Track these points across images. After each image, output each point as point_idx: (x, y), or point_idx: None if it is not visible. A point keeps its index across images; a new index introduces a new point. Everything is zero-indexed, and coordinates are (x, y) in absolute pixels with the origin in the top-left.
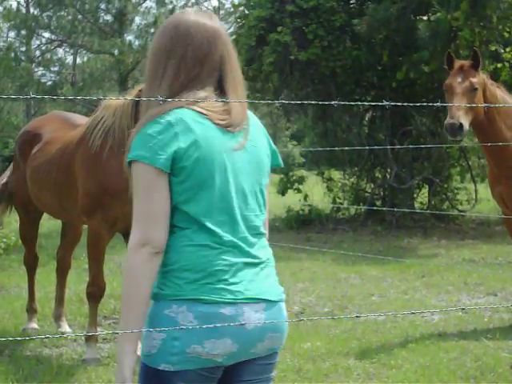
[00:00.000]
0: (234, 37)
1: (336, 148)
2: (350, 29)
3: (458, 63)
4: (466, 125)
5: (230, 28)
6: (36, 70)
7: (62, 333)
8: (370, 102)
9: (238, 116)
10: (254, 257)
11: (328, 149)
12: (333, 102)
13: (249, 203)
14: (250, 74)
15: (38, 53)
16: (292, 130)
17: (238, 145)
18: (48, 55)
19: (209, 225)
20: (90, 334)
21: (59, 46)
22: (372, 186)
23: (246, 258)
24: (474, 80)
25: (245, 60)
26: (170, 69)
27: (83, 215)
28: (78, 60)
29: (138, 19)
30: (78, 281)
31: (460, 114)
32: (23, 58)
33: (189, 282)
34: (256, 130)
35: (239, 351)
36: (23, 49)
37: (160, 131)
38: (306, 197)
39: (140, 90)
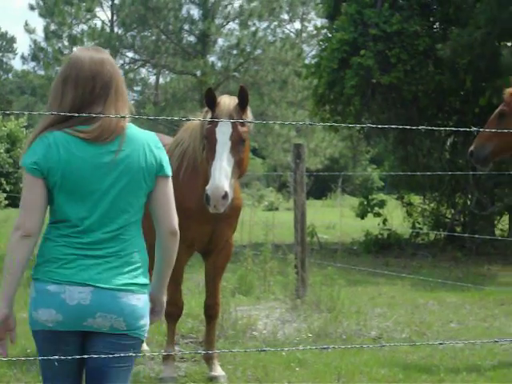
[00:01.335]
0: (316, 59)
1: (417, 173)
2: (433, 53)
3: None
4: None
5: (312, 51)
6: None
7: (140, 351)
8: (451, 127)
9: (107, 131)
10: (96, 251)
11: (409, 173)
12: (420, 127)
13: (108, 208)
14: (331, 96)
15: (121, 72)
16: (372, 154)
17: (109, 153)
18: (131, 75)
19: (63, 222)
20: (167, 353)
21: (142, 65)
22: (452, 211)
23: (85, 251)
24: None
25: (326, 83)
26: (66, 90)
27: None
28: (161, 80)
29: (220, 41)
30: None
31: None
32: None
33: (37, 265)
34: (135, 142)
35: (66, 320)
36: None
37: (35, 150)
38: (385, 221)
39: (206, 112)
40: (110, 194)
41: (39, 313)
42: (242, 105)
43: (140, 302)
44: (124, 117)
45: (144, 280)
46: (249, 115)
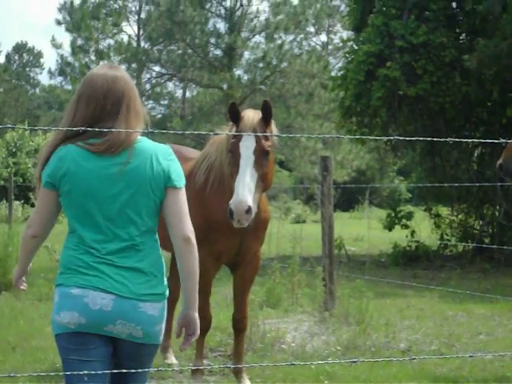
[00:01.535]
0: (342, 72)
1: (445, 184)
2: (460, 64)
3: None
4: None
5: (338, 63)
6: (146, 103)
7: (169, 364)
8: (479, 138)
9: (119, 143)
10: (113, 261)
11: (437, 185)
12: (448, 139)
13: (116, 218)
14: (358, 108)
15: (148, 86)
16: (399, 165)
17: (117, 165)
18: (158, 89)
19: (78, 231)
20: (196, 366)
21: (169, 79)
22: (481, 222)
23: (103, 260)
24: None
25: (353, 95)
26: (79, 108)
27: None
28: (188, 94)
29: (247, 54)
30: None
31: None
32: None
33: (60, 273)
34: (143, 154)
35: (88, 324)
36: (134, 82)
37: (52, 162)
38: (413, 233)
39: (232, 125)
40: (117, 204)
41: (61, 315)
42: (266, 119)
43: (156, 310)
44: (135, 131)
45: (161, 289)
46: (273, 129)
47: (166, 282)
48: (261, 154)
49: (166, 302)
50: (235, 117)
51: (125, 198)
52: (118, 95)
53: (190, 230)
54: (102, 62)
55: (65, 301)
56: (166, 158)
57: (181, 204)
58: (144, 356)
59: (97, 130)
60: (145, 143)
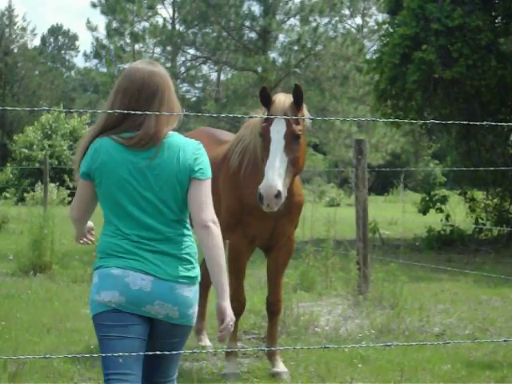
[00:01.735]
0: (377, 55)
1: (480, 168)
2: (496, 48)
3: None
4: None
5: (373, 46)
6: (181, 85)
7: (203, 347)
8: None
9: (148, 138)
10: (149, 246)
11: (472, 169)
12: (484, 123)
13: (146, 208)
14: (393, 91)
15: (182, 69)
16: (434, 149)
17: (145, 159)
18: (193, 71)
19: (113, 220)
20: (230, 349)
21: (204, 62)
22: None
23: (140, 245)
24: None
25: (388, 78)
26: (117, 99)
27: (225, 231)
28: (222, 77)
29: (281, 37)
30: None
31: None
32: (169, 73)
33: (99, 258)
34: (171, 148)
35: (128, 303)
36: (169, 65)
37: (89, 154)
38: (447, 217)
39: (265, 109)
40: (146, 196)
41: (102, 295)
42: (298, 103)
43: (191, 293)
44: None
45: (195, 273)
46: (305, 113)
47: (198, 268)
48: (291, 138)
49: (198, 285)
50: (266, 101)
51: (153, 190)
52: (153, 89)
53: (210, 218)
54: (136, 45)
55: (106, 281)
56: (194, 152)
57: (203, 194)
58: (178, 337)
59: (139, 113)
60: (175, 138)
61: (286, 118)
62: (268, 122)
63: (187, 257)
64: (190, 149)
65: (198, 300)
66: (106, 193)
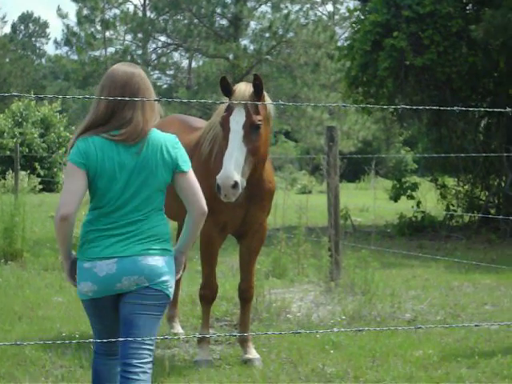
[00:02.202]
0: (348, 42)
1: (451, 154)
2: (467, 35)
3: None
4: None
5: (344, 33)
6: (152, 73)
7: (175, 334)
8: (485, 108)
9: (136, 133)
10: (119, 231)
11: (442, 155)
12: (454, 108)
13: (128, 195)
14: (364, 78)
15: (154, 56)
16: (405, 136)
17: (133, 154)
18: (164, 59)
19: (93, 210)
20: (202, 335)
21: (175, 49)
22: (486, 193)
23: (110, 231)
24: None
25: (359, 65)
26: (103, 95)
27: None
28: (194, 64)
29: (253, 24)
30: (190, 282)
31: None
32: (139, 61)
33: (78, 247)
34: (154, 143)
35: (100, 289)
36: (139, 52)
37: (80, 148)
38: (418, 203)
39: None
40: (132, 186)
41: (81, 285)
42: (258, 93)
43: (159, 262)
44: (157, 100)
45: (161, 246)
46: (266, 100)
47: (170, 247)
48: (251, 129)
49: (171, 258)
50: (227, 90)
51: (139, 181)
52: (134, 89)
53: (205, 204)
54: (107, 33)
55: (81, 273)
56: (174, 146)
57: (192, 183)
58: (148, 299)
59: (142, 98)
60: (155, 134)
61: (246, 108)
62: (228, 111)
63: (156, 234)
64: (170, 143)
65: (171, 271)
66: (97, 184)
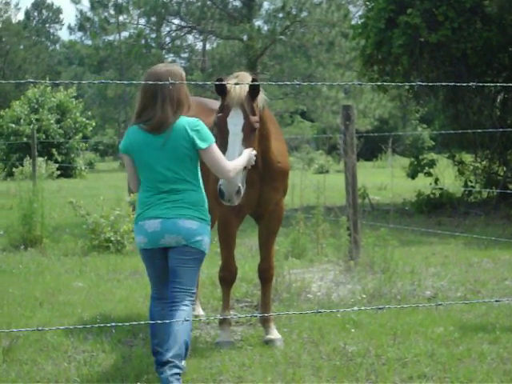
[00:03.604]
0: (362, 20)
1: (468, 130)
2: (481, 10)
3: None
4: None
5: (358, 11)
6: (166, 56)
7: (196, 316)
8: (501, 83)
9: (159, 125)
10: (161, 198)
11: (460, 131)
12: (470, 84)
13: (164, 174)
14: (379, 56)
15: (168, 39)
16: (422, 113)
17: (160, 140)
18: (178, 42)
19: (143, 181)
20: (223, 317)
21: (189, 32)
22: (504, 168)
23: (155, 199)
24: None
25: (374, 43)
26: (140, 96)
27: (213, 202)
28: (208, 46)
29: (266, 4)
30: (210, 265)
31: None
32: (154, 44)
33: (136, 212)
34: (177, 128)
35: (150, 241)
36: (153, 35)
37: (125, 137)
38: (436, 180)
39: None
40: (163, 164)
41: (137, 238)
42: (253, 95)
43: (194, 225)
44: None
45: (197, 214)
46: (261, 97)
47: (205, 216)
48: (249, 131)
49: (206, 225)
50: (222, 90)
51: (167, 161)
52: (155, 89)
53: (228, 170)
54: (121, 17)
55: (137, 229)
56: (192, 128)
57: (213, 156)
58: (187, 255)
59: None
60: (180, 120)
61: (243, 110)
62: (224, 112)
63: (192, 204)
64: (190, 126)
65: (206, 234)
66: (138, 164)
